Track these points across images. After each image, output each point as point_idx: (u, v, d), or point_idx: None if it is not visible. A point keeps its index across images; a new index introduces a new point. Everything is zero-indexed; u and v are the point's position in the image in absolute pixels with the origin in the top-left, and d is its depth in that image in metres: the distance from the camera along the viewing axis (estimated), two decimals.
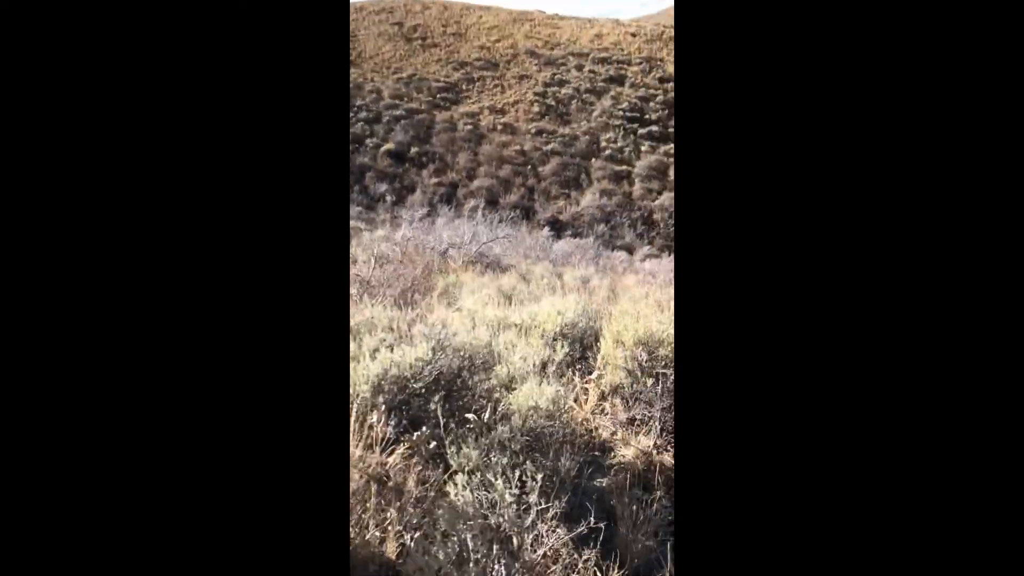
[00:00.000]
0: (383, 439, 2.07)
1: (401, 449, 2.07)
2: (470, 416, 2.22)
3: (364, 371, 2.30)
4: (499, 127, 28.99)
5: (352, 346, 2.58)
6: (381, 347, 2.56)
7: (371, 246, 8.06)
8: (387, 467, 1.98)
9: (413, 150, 26.16)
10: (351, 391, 2.20)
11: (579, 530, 1.70)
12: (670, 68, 32.81)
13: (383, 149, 25.50)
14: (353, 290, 4.96)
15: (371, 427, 2.07)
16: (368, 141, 25.79)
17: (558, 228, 21.97)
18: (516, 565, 1.53)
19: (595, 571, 1.69)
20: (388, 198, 20.20)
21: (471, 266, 8.01)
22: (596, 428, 2.63)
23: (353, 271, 5.64)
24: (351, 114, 27.23)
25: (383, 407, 2.18)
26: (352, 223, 11.17)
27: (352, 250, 7.52)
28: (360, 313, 3.55)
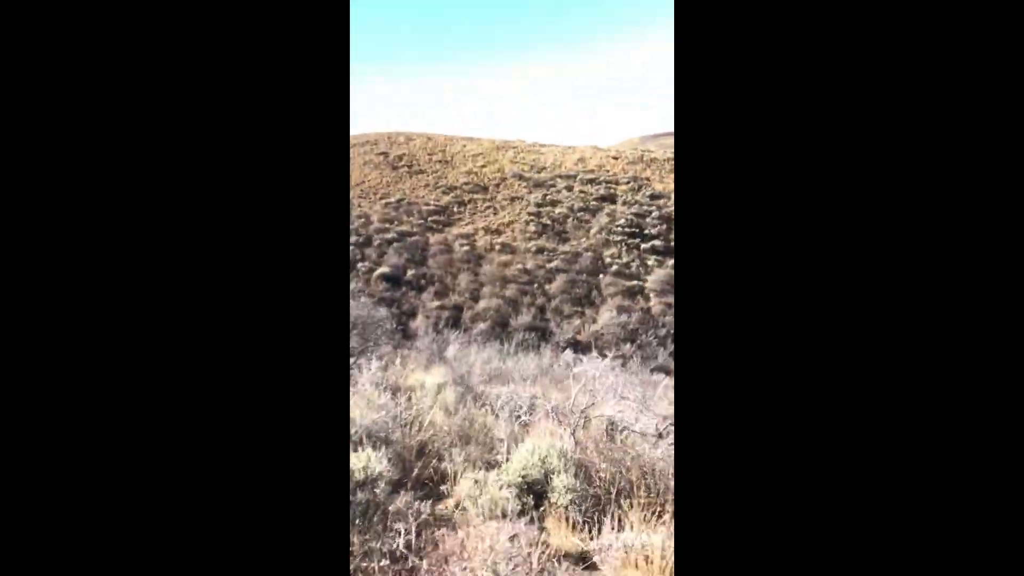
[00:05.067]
0: None
1: None
2: None
3: None
4: (497, 247, 27.93)
5: None
6: None
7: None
8: None
9: (410, 273, 24.55)
10: None
11: None
12: (658, 186, 33.10)
13: (377, 273, 23.84)
14: None
15: None
16: (360, 265, 24.20)
17: (580, 349, 19.84)
18: None
19: None
20: (389, 325, 17.92)
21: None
22: None
23: None
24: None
25: None
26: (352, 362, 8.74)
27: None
28: None
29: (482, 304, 23.05)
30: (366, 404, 4.03)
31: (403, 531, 2.23)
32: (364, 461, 2.74)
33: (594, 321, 21.98)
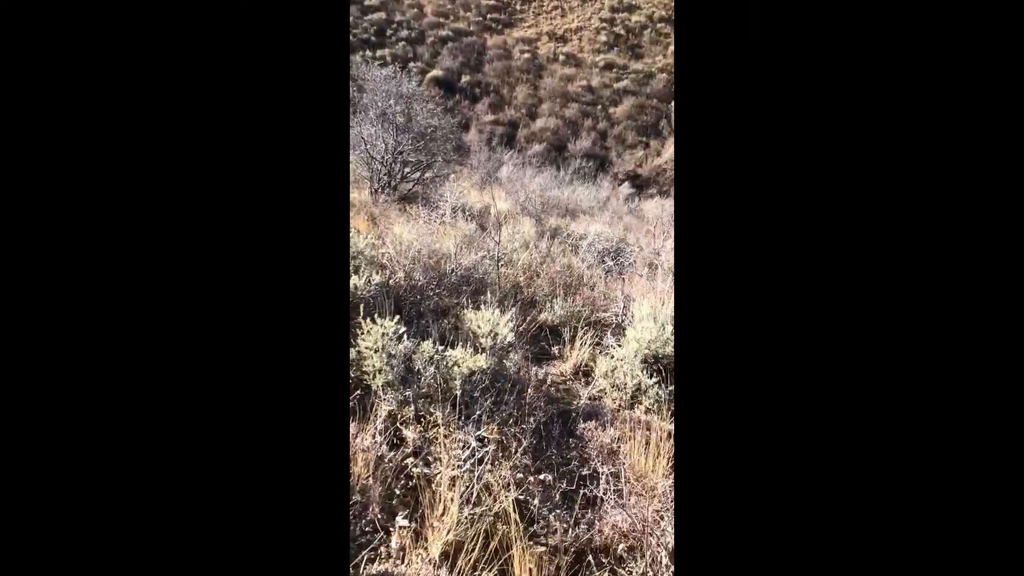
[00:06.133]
0: None
1: None
2: None
3: None
4: (561, 57, 25.10)
5: None
6: None
7: None
8: None
9: (464, 79, 22.60)
10: None
11: None
12: None
13: (429, 76, 21.99)
14: None
15: None
16: (412, 65, 22.25)
17: (638, 184, 18.69)
18: None
19: None
20: (453, 138, 16.33)
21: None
22: None
23: None
24: (390, 32, 23.62)
25: None
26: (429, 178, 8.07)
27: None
28: None
29: (539, 123, 21.40)
30: (461, 238, 3.48)
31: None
32: (491, 324, 2.27)
33: (658, 155, 20.36)
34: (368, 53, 21.63)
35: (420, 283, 2.91)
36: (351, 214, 5.49)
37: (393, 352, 1.84)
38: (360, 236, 3.00)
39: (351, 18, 22.87)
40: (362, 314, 1.99)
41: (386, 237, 3.55)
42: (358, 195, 6.64)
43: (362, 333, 1.98)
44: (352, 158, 8.01)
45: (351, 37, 22.19)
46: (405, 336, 1.99)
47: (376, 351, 1.88)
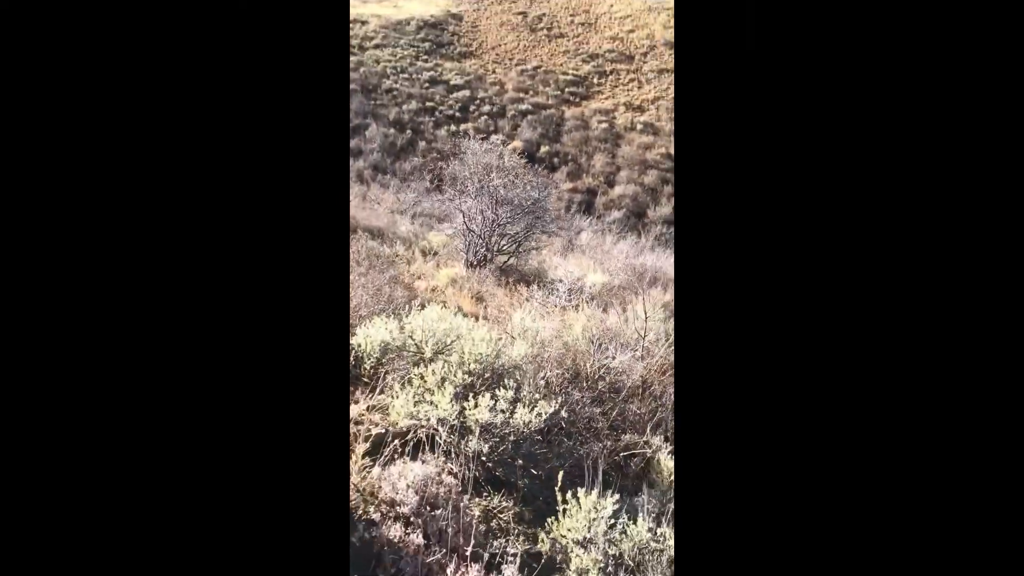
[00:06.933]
0: None
1: None
2: None
3: None
4: (639, 126, 25.42)
5: None
6: None
7: None
8: None
9: (543, 149, 23.27)
10: None
11: None
12: None
13: (509, 148, 22.84)
14: None
15: None
16: (494, 138, 23.24)
17: None
18: None
19: None
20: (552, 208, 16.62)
21: None
22: None
23: None
24: (473, 107, 24.96)
25: None
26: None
27: None
28: None
29: (618, 190, 21.46)
30: (595, 330, 3.05)
31: None
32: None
33: None
34: (453, 127, 22.83)
35: (562, 393, 2.56)
36: (451, 290, 5.39)
37: (608, 537, 1.30)
38: (486, 333, 2.58)
39: (438, 96, 24.40)
40: (559, 483, 1.40)
41: (505, 326, 3.30)
42: (453, 269, 6.59)
43: (560, 510, 1.40)
44: (449, 230, 8.11)
45: (437, 113, 23.58)
46: (610, 506, 1.39)
47: (582, 542, 1.30)
